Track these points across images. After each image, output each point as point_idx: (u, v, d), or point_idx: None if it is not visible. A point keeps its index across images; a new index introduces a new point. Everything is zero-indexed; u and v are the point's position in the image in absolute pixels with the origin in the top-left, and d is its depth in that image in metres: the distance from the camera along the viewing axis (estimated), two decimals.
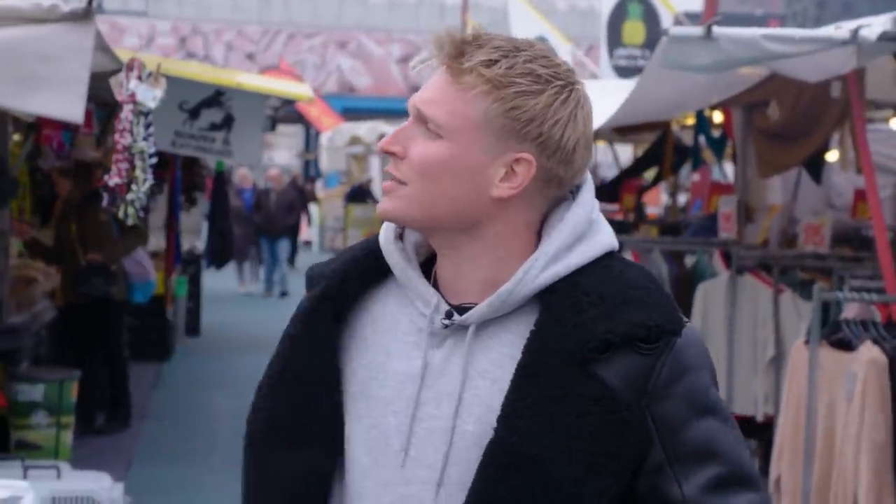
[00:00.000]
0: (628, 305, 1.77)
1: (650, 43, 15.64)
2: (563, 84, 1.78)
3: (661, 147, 11.08)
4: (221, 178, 13.75)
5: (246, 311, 17.52)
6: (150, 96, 6.46)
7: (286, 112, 18.05)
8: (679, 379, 1.77)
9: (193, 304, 14.24)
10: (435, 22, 28.72)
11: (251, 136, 9.55)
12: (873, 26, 5.13)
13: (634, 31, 17.16)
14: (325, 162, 29.24)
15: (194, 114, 9.26)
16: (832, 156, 8.81)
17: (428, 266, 1.86)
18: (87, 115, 8.38)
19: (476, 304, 1.80)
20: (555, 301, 1.78)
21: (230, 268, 17.60)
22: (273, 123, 13.21)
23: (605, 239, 1.83)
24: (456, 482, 1.76)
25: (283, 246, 19.23)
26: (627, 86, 7.95)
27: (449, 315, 1.81)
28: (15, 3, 4.93)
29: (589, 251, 1.81)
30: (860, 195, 8.89)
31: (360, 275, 1.88)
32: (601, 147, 15.17)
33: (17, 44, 4.78)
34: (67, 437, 8.11)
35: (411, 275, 1.84)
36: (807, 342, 5.44)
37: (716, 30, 5.41)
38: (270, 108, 11.24)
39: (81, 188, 9.14)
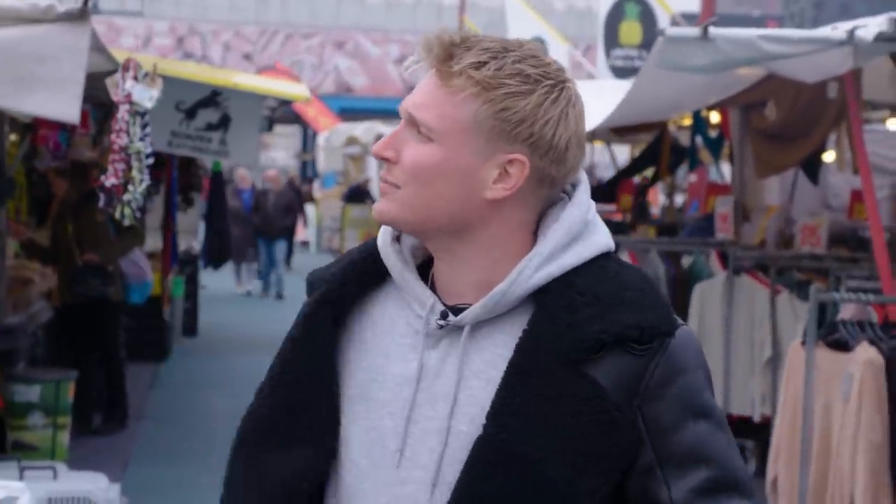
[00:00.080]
0: (622, 306, 1.77)
1: (647, 43, 15.64)
2: (554, 83, 1.77)
3: (658, 147, 11.08)
4: (218, 179, 13.74)
5: (243, 311, 17.52)
6: (147, 96, 6.46)
7: (283, 112, 18.04)
8: (672, 381, 1.76)
9: (191, 305, 14.24)
10: (432, 22, 28.73)
11: (248, 136, 9.55)
12: (870, 27, 5.13)
13: (631, 31, 17.17)
14: (322, 162, 29.22)
15: (191, 114, 9.26)
16: (829, 156, 8.82)
17: (426, 268, 1.87)
18: (84, 115, 8.37)
19: (471, 305, 1.80)
20: (549, 301, 1.78)
21: (227, 268, 17.60)
22: (270, 124, 13.21)
23: (600, 240, 1.83)
24: (450, 482, 1.76)
25: (281, 247, 19.23)
26: (624, 86, 7.95)
27: (444, 316, 1.81)
28: (11, 2, 4.93)
29: (584, 251, 1.81)
30: (857, 196, 8.90)
31: (358, 278, 1.88)
32: (598, 147, 15.18)
33: (12, 44, 4.77)
34: (64, 437, 8.10)
35: (408, 277, 1.84)
36: (803, 343, 5.44)
37: (712, 30, 5.41)
38: (267, 108, 11.23)
39: (78, 188, 9.13)
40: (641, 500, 1.77)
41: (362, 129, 22.81)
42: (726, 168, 11.25)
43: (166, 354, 12.62)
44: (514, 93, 1.75)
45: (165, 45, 29.10)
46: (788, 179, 9.52)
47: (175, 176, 11.98)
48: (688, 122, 10.09)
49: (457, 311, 1.81)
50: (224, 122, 9.34)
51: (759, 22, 24.65)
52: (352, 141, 24.12)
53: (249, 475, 1.86)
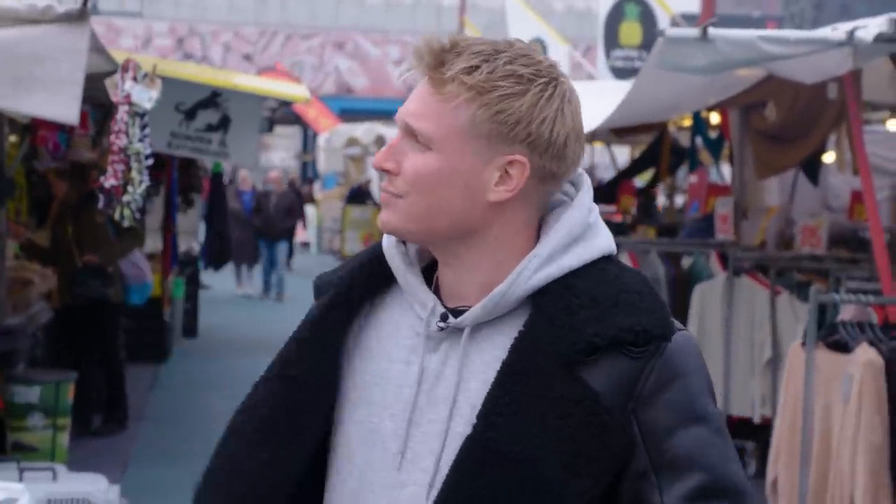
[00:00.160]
0: (619, 309, 1.76)
1: (647, 44, 15.64)
2: (547, 80, 1.77)
3: (658, 148, 11.09)
4: (218, 180, 13.75)
5: (243, 312, 17.52)
6: (146, 97, 6.46)
7: (283, 113, 18.05)
8: (668, 385, 1.75)
9: (191, 306, 14.24)
10: (431, 23, 28.76)
11: (248, 137, 9.55)
12: (869, 28, 5.13)
13: (631, 32, 17.16)
14: (323, 163, 29.21)
15: (190, 115, 9.26)
16: (829, 157, 8.82)
17: (433, 270, 1.87)
18: (83, 116, 8.38)
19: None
20: (547, 302, 1.77)
21: (228, 269, 17.60)
22: (270, 125, 13.21)
23: (601, 242, 1.83)
24: None
25: (282, 248, 19.23)
26: (624, 87, 7.95)
27: (444, 318, 1.81)
28: (10, 3, 4.93)
29: (585, 254, 1.80)
30: (857, 197, 8.90)
31: (366, 280, 1.89)
32: (598, 148, 15.18)
33: (11, 45, 4.77)
34: (64, 438, 8.10)
35: (410, 279, 1.84)
36: (803, 344, 5.44)
37: (712, 31, 5.42)
38: (268, 109, 11.23)
39: (77, 189, 9.13)
40: None
41: (363, 130, 22.80)
42: (726, 169, 11.26)
43: (166, 356, 12.62)
44: (508, 94, 1.75)
45: (165, 46, 29.11)
46: (788, 180, 9.52)
47: (175, 177, 12.00)
48: (688, 122, 10.09)
49: (458, 313, 1.81)
50: (224, 123, 9.35)
51: (758, 23, 24.66)
52: (352, 142, 24.11)
53: (232, 468, 1.85)
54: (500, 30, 18.09)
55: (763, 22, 25.55)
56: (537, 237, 1.82)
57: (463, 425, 1.76)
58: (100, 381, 9.50)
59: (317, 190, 28.89)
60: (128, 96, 6.45)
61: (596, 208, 1.86)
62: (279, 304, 18.49)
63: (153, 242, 12.02)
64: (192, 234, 15.08)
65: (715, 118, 9.45)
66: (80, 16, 4.84)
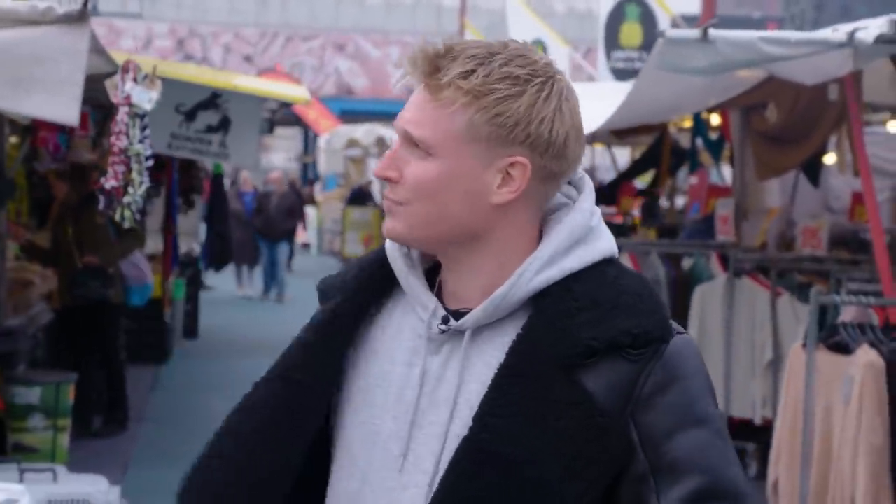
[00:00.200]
0: (618, 311, 1.76)
1: (647, 45, 15.64)
2: (544, 80, 1.77)
3: (659, 150, 11.09)
4: (219, 181, 13.75)
5: (244, 313, 17.51)
6: (146, 98, 6.45)
7: (284, 114, 18.05)
8: (667, 388, 1.74)
9: (191, 307, 14.23)
10: (432, 24, 28.76)
11: (248, 138, 9.55)
12: (870, 29, 5.13)
13: (632, 33, 17.16)
14: (323, 164, 29.23)
15: (191, 116, 9.26)
16: (830, 158, 8.81)
17: (436, 272, 1.87)
18: (83, 117, 8.38)
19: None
20: (547, 305, 1.77)
21: (229, 270, 17.60)
22: (271, 126, 13.21)
23: (603, 245, 1.82)
24: None
25: (283, 249, 19.23)
26: (625, 88, 7.95)
27: (445, 320, 1.81)
28: (10, 4, 4.93)
29: (586, 256, 1.80)
30: (858, 198, 8.90)
31: (370, 284, 1.89)
32: (599, 150, 15.17)
33: (11, 46, 4.77)
34: (64, 440, 8.09)
35: (412, 282, 1.84)
36: (804, 345, 5.43)
37: (712, 32, 5.41)
38: (268, 110, 11.23)
39: (78, 191, 9.13)
40: None
41: (363, 131, 22.81)
42: (727, 170, 11.25)
43: (167, 357, 12.61)
44: (505, 96, 1.75)
45: (166, 47, 29.11)
46: (789, 181, 9.52)
47: (175, 178, 11.99)
48: (688, 124, 10.09)
49: (460, 315, 1.81)
50: (224, 125, 9.35)
51: (759, 24, 24.68)
52: (352, 143, 24.12)
53: (228, 467, 1.85)
54: (500, 31, 18.11)
55: (763, 23, 25.56)
56: (539, 239, 1.81)
57: (462, 427, 1.76)
58: (100, 382, 9.50)
59: (317, 191, 28.89)
60: (128, 97, 6.44)
61: (598, 211, 1.86)
62: (280, 305, 18.50)
63: (154, 243, 12.01)
64: (193, 235, 15.08)
65: (715, 119, 9.44)
66: (80, 17, 4.83)
